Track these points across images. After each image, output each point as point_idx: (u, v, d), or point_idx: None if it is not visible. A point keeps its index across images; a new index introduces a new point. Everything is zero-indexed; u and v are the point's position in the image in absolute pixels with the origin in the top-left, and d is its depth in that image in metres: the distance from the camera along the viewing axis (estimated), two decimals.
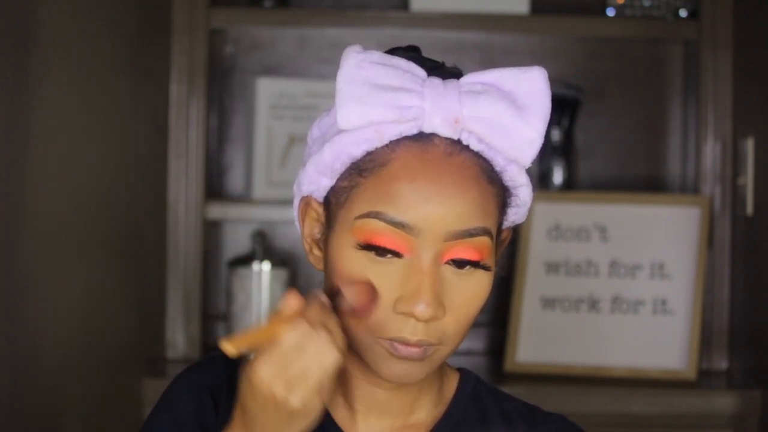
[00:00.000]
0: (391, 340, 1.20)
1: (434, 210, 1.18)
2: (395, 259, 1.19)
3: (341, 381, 1.28)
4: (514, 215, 1.27)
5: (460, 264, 1.20)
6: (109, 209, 2.43)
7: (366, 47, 1.23)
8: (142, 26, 2.63)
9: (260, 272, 2.70)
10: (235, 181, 2.92)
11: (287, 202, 2.87)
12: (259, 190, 2.79)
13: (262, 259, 2.71)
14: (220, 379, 1.30)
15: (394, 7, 2.86)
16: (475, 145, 1.21)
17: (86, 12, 2.30)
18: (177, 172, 2.73)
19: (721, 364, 2.71)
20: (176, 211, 2.73)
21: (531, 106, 1.20)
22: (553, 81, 3.07)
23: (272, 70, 2.86)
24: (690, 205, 2.70)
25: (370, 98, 1.19)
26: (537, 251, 2.72)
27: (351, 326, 1.21)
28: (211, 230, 2.84)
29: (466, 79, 1.22)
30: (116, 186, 2.47)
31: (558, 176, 2.84)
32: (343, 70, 1.20)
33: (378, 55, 1.22)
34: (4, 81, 1.91)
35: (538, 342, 2.68)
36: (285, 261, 2.74)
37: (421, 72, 1.22)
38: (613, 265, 2.70)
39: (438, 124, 1.20)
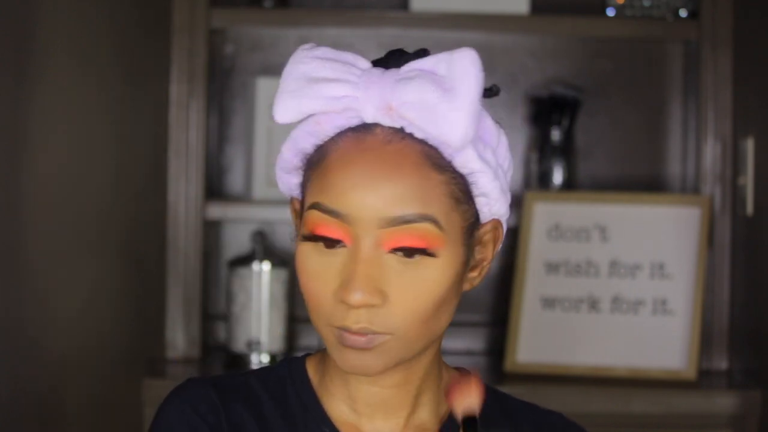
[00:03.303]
0: (339, 328, 1.20)
1: (364, 197, 1.18)
2: (341, 249, 1.19)
3: (342, 384, 1.28)
4: (486, 206, 1.24)
5: (407, 252, 1.19)
6: (109, 209, 2.43)
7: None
8: (142, 26, 2.63)
9: (260, 272, 2.70)
10: (235, 181, 2.92)
11: (287, 202, 2.87)
12: (259, 190, 2.79)
13: (262, 259, 2.71)
14: (214, 408, 1.27)
15: (394, 7, 2.86)
16: (419, 133, 1.20)
17: (86, 12, 2.30)
18: (177, 172, 2.73)
19: (721, 364, 2.71)
20: (176, 211, 2.73)
21: (457, 88, 1.18)
22: (553, 81, 3.08)
23: (272, 70, 2.86)
24: (690, 205, 2.70)
25: (303, 91, 1.21)
26: (537, 251, 2.72)
27: (312, 316, 1.22)
28: (211, 230, 2.84)
29: (405, 66, 1.21)
30: (116, 186, 2.47)
31: (558, 176, 2.84)
32: (285, 67, 1.22)
33: (324, 51, 1.23)
34: (3, 81, 1.91)
35: (538, 342, 2.68)
36: (285, 261, 2.74)
37: (364, 64, 1.22)
38: (613, 265, 2.70)
39: (372, 112, 1.20)
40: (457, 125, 1.17)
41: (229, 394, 1.28)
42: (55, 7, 2.12)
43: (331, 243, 1.20)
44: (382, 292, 1.19)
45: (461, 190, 1.21)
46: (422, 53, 1.25)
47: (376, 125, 1.21)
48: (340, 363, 1.22)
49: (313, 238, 1.21)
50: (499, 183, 1.23)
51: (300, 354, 1.35)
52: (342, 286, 1.19)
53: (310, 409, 1.28)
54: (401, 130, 1.20)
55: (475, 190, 1.22)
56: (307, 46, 1.24)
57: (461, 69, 1.19)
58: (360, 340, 1.20)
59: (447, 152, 1.20)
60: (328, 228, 1.20)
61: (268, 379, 1.30)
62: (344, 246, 1.19)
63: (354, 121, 1.21)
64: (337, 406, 1.28)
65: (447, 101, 1.17)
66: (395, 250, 1.19)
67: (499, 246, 1.28)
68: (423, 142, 1.20)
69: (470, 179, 1.22)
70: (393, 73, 1.20)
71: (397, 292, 1.19)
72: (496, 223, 1.26)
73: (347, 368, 1.22)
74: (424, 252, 1.18)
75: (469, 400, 1.18)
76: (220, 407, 1.27)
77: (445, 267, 1.20)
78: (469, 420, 1.17)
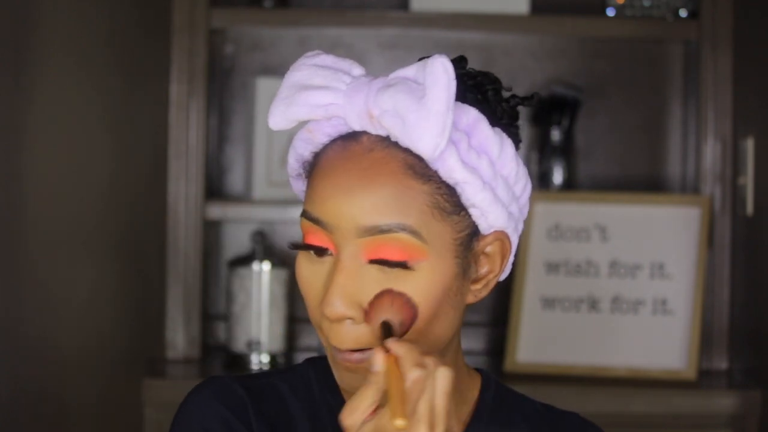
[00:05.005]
0: (332, 346, 1.19)
1: (340, 205, 1.17)
2: (329, 258, 1.18)
3: None
4: (481, 218, 1.20)
5: (389, 264, 1.16)
6: (109, 209, 2.43)
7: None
8: (142, 26, 2.63)
9: (260, 272, 2.70)
10: (235, 181, 2.92)
11: (287, 202, 2.88)
12: (259, 190, 2.80)
13: (262, 259, 2.70)
14: (243, 404, 1.25)
15: (394, 7, 2.86)
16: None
17: (85, 12, 2.30)
18: (177, 172, 2.73)
19: (721, 364, 2.71)
20: (176, 211, 2.73)
21: (426, 97, 1.15)
22: (553, 81, 3.07)
23: (272, 70, 2.86)
24: (690, 205, 2.70)
25: (292, 98, 1.20)
26: (537, 251, 2.72)
27: (313, 325, 1.21)
28: (211, 230, 2.84)
29: (392, 74, 1.20)
30: (116, 186, 2.47)
31: (558, 176, 2.84)
32: (286, 75, 1.22)
33: (323, 58, 1.22)
34: (3, 81, 1.91)
35: (538, 342, 2.68)
36: (285, 261, 2.74)
37: (358, 71, 1.21)
38: (613, 265, 2.70)
39: (356, 120, 1.19)
40: (425, 135, 1.15)
41: (255, 393, 1.26)
42: (54, 7, 2.12)
43: (320, 251, 1.19)
44: (361, 305, 1.17)
45: (449, 201, 1.18)
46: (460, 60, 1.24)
47: (363, 133, 1.19)
48: (338, 381, 1.21)
49: (304, 246, 1.20)
50: (490, 194, 1.19)
51: (314, 355, 1.34)
52: (323, 299, 1.17)
53: (337, 411, 1.24)
54: (387, 138, 1.18)
55: (465, 201, 1.19)
56: (311, 53, 1.23)
57: (431, 77, 1.15)
58: (352, 357, 1.18)
59: (432, 161, 1.17)
60: (315, 236, 1.19)
61: (293, 380, 1.29)
62: (332, 255, 1.18)
63: (344, 129, 1.20)
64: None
65: (416, 110, 1.15)
66: (375, 261, 1.17)
67: (509, 259, 1.23)
68: (407, 151, 1.18)
69: (458, 189, 1.18)
70: (380, 80, 1.18)
71: None
72: (500, 235, 1.22)
73: (345, 387, 1.21)
74: (403, 266, 1.16)
75: (391, 311, 1.15)
76: (249, 404, 1.25)
77: (427, 280, 1.17)
78: (386, 326, 1.15)
